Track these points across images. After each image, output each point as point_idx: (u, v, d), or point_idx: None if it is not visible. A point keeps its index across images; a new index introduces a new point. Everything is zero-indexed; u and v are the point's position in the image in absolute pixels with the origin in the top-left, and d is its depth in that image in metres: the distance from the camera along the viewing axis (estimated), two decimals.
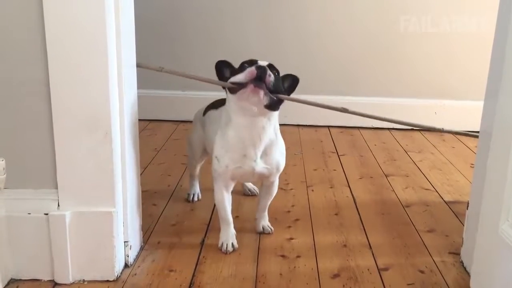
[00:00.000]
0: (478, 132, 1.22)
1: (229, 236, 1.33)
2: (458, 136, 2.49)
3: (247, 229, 1.43)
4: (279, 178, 1.38)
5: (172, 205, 1.61)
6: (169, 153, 2.17)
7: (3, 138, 1.10)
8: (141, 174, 1.31)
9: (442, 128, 1.47)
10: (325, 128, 2.67)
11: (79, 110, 1.08)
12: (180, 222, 1.49)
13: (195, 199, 1.64)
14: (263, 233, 1.42)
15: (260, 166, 1.27)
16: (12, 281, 1.14)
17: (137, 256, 1.27)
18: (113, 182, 1.13)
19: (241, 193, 1.70)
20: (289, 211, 1.59)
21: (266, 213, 1.44)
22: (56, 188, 1.12)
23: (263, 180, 1.36)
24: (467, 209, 1.27)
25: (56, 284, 1.14)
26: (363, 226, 1.48)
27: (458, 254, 1.31)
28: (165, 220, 1.49)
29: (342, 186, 1.83)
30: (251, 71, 1.15)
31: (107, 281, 1.16)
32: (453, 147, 2.37)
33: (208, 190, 1.66)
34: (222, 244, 1.32)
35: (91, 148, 1.10)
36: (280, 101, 1.21)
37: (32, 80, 1.07)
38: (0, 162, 0.98)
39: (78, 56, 1.05)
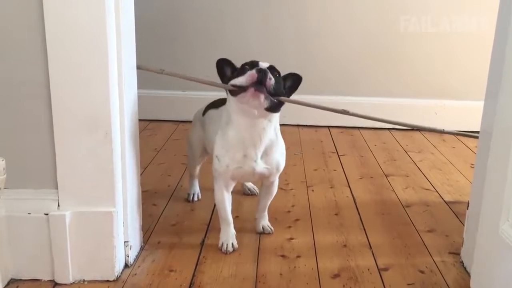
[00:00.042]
0: (478, 132, 1.22)
1: (229, 236, 1.33)
2: (458, 136, 2.49)
3: (247, 229, 1.43)
4: (279, 178, 1.38)
5: (172, 205, 1.61)
6: (169, 153, 2.17)
7: (3, 138, 1.10)
8: (141, 174, 1.31)
9: (443, 130, 1.47)
10: (325, 128, 2.67)
11: (79, 110, 1.08)
12: (180, 222, 1.49)
13: (195, 199, 1.64)
14: (263, 233, 1.42)
15: (260, 166, 1.27)
16: (12, 281, 1.14)
17: (137, 256, 1.27)
18: (113, 182, 1.13)
19: (241, 193, 1.70)
20: (289, 211, 1.59)
21: (266, 213, 1.44)
22: (56, 188, 1.12)
23: (263, 180, 1.36)
24: (467, 209, 1.27)
25: (56, 284, 1.14)
26: (363, 226, 1.48)
27: (458, 254, 1.31)
28: (165, 220, 1.49)
29: (342, 186, 1.83)
30: (251, 74, 1.15)
31: (107, 281, 1.16)
32: (453, 147, 2.37)
33: (208, 190, 1.66)
34: (222, 244, 1.32)
35: (91, 148, 1.10)
36: (281, 103, 1.21)
37: (32, 80, 1.07)
38: (0, 162, 0.98)
39: (78, 56, 1.05)
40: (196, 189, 1.66)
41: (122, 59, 1.11)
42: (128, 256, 1.22)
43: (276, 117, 1.26)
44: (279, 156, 1.30)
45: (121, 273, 1.19)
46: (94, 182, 1.12)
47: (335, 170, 2.01)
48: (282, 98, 1.20)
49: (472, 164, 1.97)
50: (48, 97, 1.07)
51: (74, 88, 1.07)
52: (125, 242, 1.20)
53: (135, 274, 1.19)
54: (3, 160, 0.99)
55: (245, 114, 1.20)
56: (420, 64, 2.66)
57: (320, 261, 1.27)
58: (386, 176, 1.95)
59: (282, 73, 1.25)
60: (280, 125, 1.30)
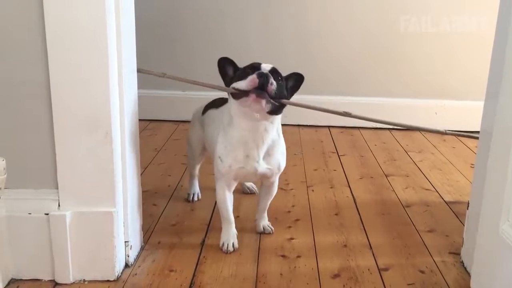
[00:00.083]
0: (478, 132, 1.22)
1: (230, 235, 1.33)
2: (459, 136, 2.49)
3: (248, 229, 1.43)
4: (279, 178, 1.38)
5: (173, 205, 1.61)
6: (170, 153, 2.17)
7: (4, 138, 1.10)
8: (141, 174, 1.31)
9: (445, 131, 1.47)
10: (326, 128, 2.67)
11: (80, 110, 1.08)
12: (180, 222, 1.49)
13: (195, 198, 1.64)
14: (263, 233, 1.42)
15: (262, 166, 1.27)
16: (12, 281, 1.14)
17: (138, 256, 1.27)
18: (114, 182, 1.13)
19: (240, 192, 1.70)
20: (289, 211, 1.59)
21: (266, 214, 1.44)
22: (57, 188, 1.12)
23: (263, 180, 1.36)
24: (468, 209, 1.27)
25: (56, 284, 1.14)
26: (364, 226, 1.48)
27: (459, 254, 1.31)
28: (165, 220, 1.49)
29: (343, 186, 1.83)
30: (253, 79, 1.15)
31: (108, 281, 1.16)
32: (454, 147, 2.37)
33: (208, 189, 1.67)
34: (223, 244, 1.32)
35: (92, 148, 1.10)
36: (283, 106, 1.21)
37: (33, 80, 1.07)
38: (1, 162, 0.98)
39: (79, 56, 1.05)
40: (196, 189, 1.66)
41: (122, 60, 1.11)
42: (128, 256, 1.22)
43: (278, 119, 1.26)
44: (280, 156, 1.30)
45: (122, 273, 1.19)
46: (94, 182, 1.12)
47: (335, 170, 2.01)
48: (284, 101, 1.20)
49: (472, 164, 1.97)
50: (48, 97, 1.07)
51: (74, 88, 1.07)
52: (125, 242, 1.20)
53: (136, 274, 1.19)
54: (3, 160, 0.99)
55: (247, 117, 1.20)
56: (420, 64, 2.66)
57: (320, 261, 1.28)
58: (386, 176, 1.95)
59: (283, 74, 1.25)
60: (281, 125, 1.30)
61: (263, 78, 1.14)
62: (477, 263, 1.09)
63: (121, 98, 1.12)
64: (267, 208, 1.43)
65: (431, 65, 2.65)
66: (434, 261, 1.29)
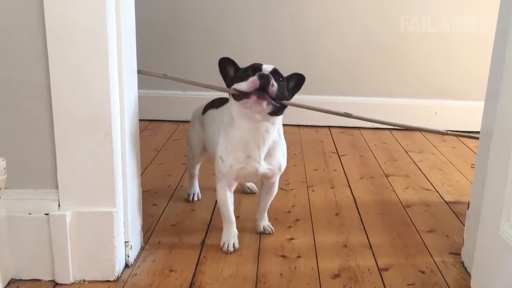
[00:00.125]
0: (478, 132, 1.22)
1: (231, 235, 1.33)
2: (459, 137, 2.49)
3: (248, 229, 1.43)
4: (280, 178, 1.38)
5: (173, 205, 1.61)
6: (170, 153, 2.17)
7: (4, 138, 1.10)
8: (141, 174, 1.31)
9: (446, 131, 1.47)
10: (326, 128, 2.67)
11: (80, 111, 1.08)
12: (180, 222, 1.49)
13: (195, 198, 1.64)
14: (263, 233, 1.42)
15: (263, 167, 1.27)
16: (12, 281, 1.14)
17: (138, 256, 1.27)
18: (114, 182, 1.13)
19: (239, 191, 1.70)
20: (289, 211, 1.59)
21: (266, 214, 1.44)
22: (57, 188, 1.12)
23: (264, 180, 1.36)
24: (468, 209, 1.27)
25: (56, 284, 1.14)
26: (364, 226, 1.48)
27: (459, 254, 1.31)
28: (165, 220, 1.49)
29: (343, 186, 1.83)
30: (253, 81, 1.15)
31: (108, 281, 1.16)
32: (454, 147, 2.37)
33: (208, 189, 1.67)
34: (224, 244, 1.32)
35: (92, 148, 1.10)
36: (284, 107, 1.21)
37: (33, 80, 1.07)
38: (1, 162, 0.98)
39: (79, 56, 1.05)
40: (196, 189, 1.66)
41: (122, 60, 1.11)
42: (128, 256, 1.22)
43: (279, 119, 1.26)
44: (281, 156, 1.30)
45: (122, 273, 1.19)
46: (94, 182, 1.12)
47: (335, 170, 2.01)
48: (285, 102, 1.20)
49: (473, 164, 1.97)
50: (48, 98, 1.07)
51: (74, 88, 1.07)
52: (125, 242, 1.20)
53: (136, 274, 1.19)
54: (3, 160, 0.99)
55: (248, 118, 1.20)
56: (420, 64, 2.66)
57: (321, 261, 1.27)
58: (387, 176, 1.95)
59: (283, 74, 1.25)
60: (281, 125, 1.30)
61: (264, 80, 1.14)
62: (477, 263, 1.09)
63: (121, 98, 1.12)
64: (267, 208, 1.43)
65: (431, 65, 2.65)
66: (434, 261, 1.29)
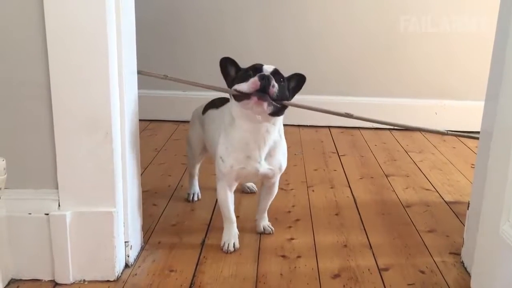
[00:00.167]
0: (478, 132, 1.22)
1: (231, 235, 1.33)
2: (459, 137, 2.49)
3: (248, 229, 1.43)
4: (280, 178, 1.38)
5: (173, 205, 1.61)
6: (170, 153, 2.17)
7: (4, 138, 1.10)
8: (141, 174, 1.31)
9: (446, 131, 1.47)
10: (326, 128, 2.67)
11: (80, 111, 1.08)
12: (180, 222, 1.49)
13: (195, 198, 1.64)
14: (263, 233, 1.42)
15: (264, 167, 1.27)
16: (12, 281, 1.14)
17: (138, 256, 1.27)
18: (114, 182, 1.13)
19: (239, 191, 1.70)
20: (289, 211, 1.59)
21: (266, 214, 1.44)
22: (57, 188, 1.12)
23: (264, 180, 1.36)
24: (468, 209, 1.27)
25: (56, 284, 1.14)
26: (364, 226, 1.48)
27: (459, 254, 1.31)
28: (165, 220, 1.49)
29: (343, 186, 1.83)
30: (254, 82, 1.15)
31: (108, 281, 1.16)
32: (454, 147, 2.37)
33: (208, 189, 1.67)
34: (224, 243, 1.32)
35: (92, 149, 1.10)
36: (285, 107, 1.21)
37: (33, 80, 1.07)
38: (1, 162, 0.98)
39: (79, 56, 1.05)
40: (196, 188, 1.66)
41: (122, 60, 1.11)
42: (128, 256, 1.22)
43: (280, 120, 1.26)
44: (282, 156, 1.30)
45: (122, 273, 1.19)
46: (94, 182, 1.12)
47: (335, 170, 2.01)
48: (286, 102, 1.20)
49: (473, 164, 1.97)
50: (48, 98, 1.07)
51: (74, 88, 1.07)
52: (125, 242, 1.20)
53: (136, 274, 1.19)
54: (3, 160, 0.99)
55: (248, 119, 1.20)
56: (420, 64, 2.66)
57: (321, 261, 1.27)
58: (387, 176, 1.95)
59: (283, 74, 1.25)
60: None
61: (265, 81, 1.14)
62: (477, 263, 1.09)
63: (121, 98, 1.12)
64: (267, 208, 1.43)
65: (431, 65, 2.66)
66: (434, 261, 1.29)
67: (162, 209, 1.57)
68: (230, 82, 1.25)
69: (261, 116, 1.18)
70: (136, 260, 1.26)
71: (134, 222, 1.25)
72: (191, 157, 1.62)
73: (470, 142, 2.40)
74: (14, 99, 1.09)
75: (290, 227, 1.47)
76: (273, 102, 1.16)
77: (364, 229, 1.46)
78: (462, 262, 1.28)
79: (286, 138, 1.32)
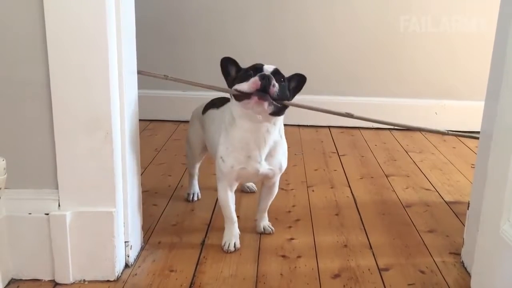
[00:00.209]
0: (478, 132, 1.22)
1: (232, 235, 1.33)
2: (459, 137, 2.49)
3: (248, 229, 1.43)
4: (280, 178, 1.38)
5: (173, 205, 1.61)
6: (170, 153, 2.17)
7: (4, 138, 1.10)
8: (141, 174, 1.31)
9: (447, 131, 1.47)
10: (326, 128, 2.67)
11: (80, 111, 1.08)
12: (180, 222, 1.49)
13: (195, 198, 1.64)
14: (263, 233, 1.42)
15: (264, 167, 1.27)
16: (12, 281, 1.14)
17: (138, 256, 1.27)
18: (114, 182, 1.13)
19: (239, 191, 1.70)
20: (289, 211, 1.59)
21: (266, 214, 1.44)
22: (57, 188, 1.12)
23: (264, 180, 1.36)
24: (468, 209, 1.27)
25: (56, 284, 1.14)
26: (364, 226, 1.48)
27: (459, 254, 1.31)
28: (165, 220, 1.49)
29: (343, 186, 1.83)
30: (255, 81, 1.15)
31: (108, 281, 1.16)
32: (454, 147, 2.37)
33: (207, 189, 1.67)
34: (225, 243, 1.32)
35: (92, 149, 1.10)
36: (285, 107, 1.21)
37: (33, 80, 1.07)
38: (1, 162, 0.98)
39: (79, 56, 1.05)
40: (196, 188, 1.66)
41: (122, 60, 1.11)
42: (128, 256, 1.22)
43: (280, 120, 1.26)
44: (282, 156, 1.30)
45: (122, 273, 1.19)
46: (94, 182, 1.12)
47: (335, 170, 2.01)
48: (286, 102, 1.20)
49: (473, 164, 1.97)
50: (48, 98, 1.07)
51: (74, 88, 1.07)
52: (125, 242, 1.20)
53: (136, 274, 1.19)
54: (3, 160, 0.99)
55: (249, 118, 1.20)
56: (421, 64, 2.66)
57: (321, 261, 1.27)
58: (387, 176, 1.95)
59: (283, 74, 1.25)
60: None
61: (265, 81, 1.14)
62: (477, 263, 1.09)
63: (121, 98, 1.12)
64: (267, 208, 1.43)
65: (431, 65, 2.66)
66: (434, 261, 1.29)
67: (162, 209, 1.57)
68: (231, 82, 1.25)
69: (262, 115, 1.18)
70: (136, 260, 1.26)
71: (134, 222, 1.25)
72: (190, 157, 1.62)
73: (470, 142, 2.40)
74: (14, 99, 1.09)
75: (290, 227, 1.47)
76: (274, 102, 1.16)
77: (364, 229, 1.46)
78: (462, 262, 1.28)
79: (286, 138, 1.32)
